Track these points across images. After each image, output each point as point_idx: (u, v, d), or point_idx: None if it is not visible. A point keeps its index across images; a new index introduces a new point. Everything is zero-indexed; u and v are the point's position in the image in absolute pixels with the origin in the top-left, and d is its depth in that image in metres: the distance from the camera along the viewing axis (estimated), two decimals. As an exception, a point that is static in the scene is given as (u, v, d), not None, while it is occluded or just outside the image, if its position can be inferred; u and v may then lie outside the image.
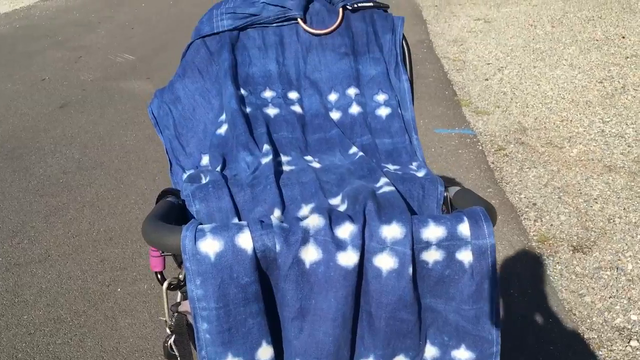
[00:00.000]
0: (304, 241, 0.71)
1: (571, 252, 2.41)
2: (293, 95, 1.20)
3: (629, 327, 2.01)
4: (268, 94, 1.18)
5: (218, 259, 0.70)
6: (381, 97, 1.18)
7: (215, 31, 1.22)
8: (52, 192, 2.92)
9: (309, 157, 1.08)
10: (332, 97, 1.20)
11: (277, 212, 0.88)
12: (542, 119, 3.78)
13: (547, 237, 2.52)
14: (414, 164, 1.07)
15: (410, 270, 0.73)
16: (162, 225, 0.73)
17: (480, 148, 3.40)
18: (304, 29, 1.23)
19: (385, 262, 0.73)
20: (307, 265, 0.72)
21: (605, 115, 3.78)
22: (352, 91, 1.19)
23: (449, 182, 3.07)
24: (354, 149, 1.08)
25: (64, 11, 7.78)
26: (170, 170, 1.14)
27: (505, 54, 5.31)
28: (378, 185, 0.93)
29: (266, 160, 1.00)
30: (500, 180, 3.02)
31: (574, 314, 2.06)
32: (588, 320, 2.04)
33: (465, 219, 0.74)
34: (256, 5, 1.22)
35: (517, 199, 2.83)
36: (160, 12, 7.57)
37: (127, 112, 4.00)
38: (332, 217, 0.74)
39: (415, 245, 0.73)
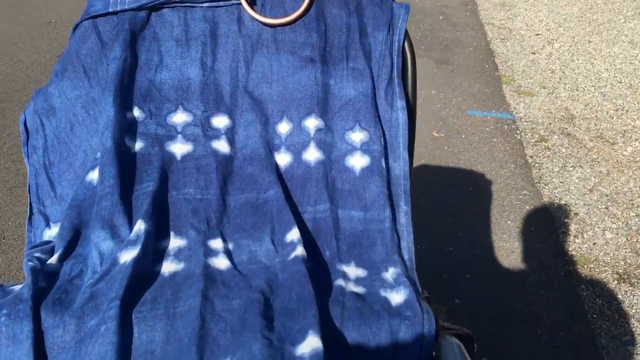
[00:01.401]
0: None
1: (616, 281, 2.01)
2: (220, 121, 0.79)
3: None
4: (179, 117, 0.78)
5: None
6: (357, 137, 0.77)
7: (111, 10, 0.80)
8: (28, 157, 2.61)
9: (216, 243, 0.69)
10: (283, 127, 0.80)
11: None
12: (594, 106, 3.29)
13: (587, 259, 2.11)
14: (391, 270, 0.68)
15: None
16: None
17: (519, 137, 2.95)
18: (251, 16, 0.82)
19: None
20: None
21: (668, 107, 3.28)
22: (311, 122, 0.79)
23: (476, 182, 2.48)
24: (294, 234, 0.69)
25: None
26: (29, 220, 0.78)
27: (557, 24, 4.75)
28: (299, 353, 0.54)
29: (128, 255, 0.62)
30: (538, 179, 2.60)
31: (614, 370, 1.68)
32: (631, 381, 1.66)
33: None
34: None
35: (556, 206, 2.42)
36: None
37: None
38: None
39: None
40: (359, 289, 0.64)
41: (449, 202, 2.41)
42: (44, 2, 4.89)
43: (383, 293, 0.63)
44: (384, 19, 0.82)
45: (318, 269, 0.67)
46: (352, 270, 0.68)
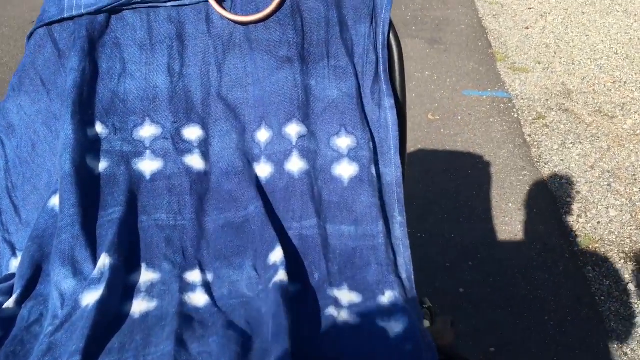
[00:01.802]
0: None
1: (622, 260, 1.96)
2: (192, 132, 0.72)
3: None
4: (147, 131, 0.71)
5: None
6: (344, 142, 0.71)
7: (67, 15, 0.73)
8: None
9: (194, 275, 0.64)
10: (262, 135, 0.73)
11: None
12: (591, 80, 3.23)
13: (592, 239, 2.06)
14: (388, 293, 0.62)
15: None
16: None
17: (516, 116, 2.89)
18: (220, 14, 0.75)
19: None
20: None
21: (666, 76, 3.21)
22: (293, 129, 0.72)
23: (475, 164, 2.45)
24: (277, 254, 0.63)
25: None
26: None
27: (549, -4, 4.66)
28: None
29: (91, 297, 0.56)
30: (538, 159, 2.54)
31: (626, 354, 1.64)
32: (643, 364, 1.62)
33: None
34: None
35: (557, 185, 2.37)
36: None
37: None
38: None
39: None
40: (354, 319, 0.59)
41: (448, 187, 2.36)
42: (25, 2, 4.79)
43: (380, 323, 0.58)
44: (365, 10, 0.75)
45: (305, 295, 0.62)
46: (345, 295, 0.62)
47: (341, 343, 0.55)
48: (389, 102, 0.72)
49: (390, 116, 0.71)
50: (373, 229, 0.66)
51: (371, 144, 0.71)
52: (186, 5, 0.74)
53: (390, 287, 0.62)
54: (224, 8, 0.74)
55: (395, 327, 0.57)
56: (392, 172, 0.70)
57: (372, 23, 0.75)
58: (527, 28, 4.06)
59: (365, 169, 0.69)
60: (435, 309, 0.72)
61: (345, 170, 0.70)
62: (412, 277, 0.65)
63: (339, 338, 0.55)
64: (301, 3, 0.75)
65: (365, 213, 0.67)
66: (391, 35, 0.76)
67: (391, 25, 0.76)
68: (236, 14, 0.74)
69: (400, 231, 0.68)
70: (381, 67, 0.74)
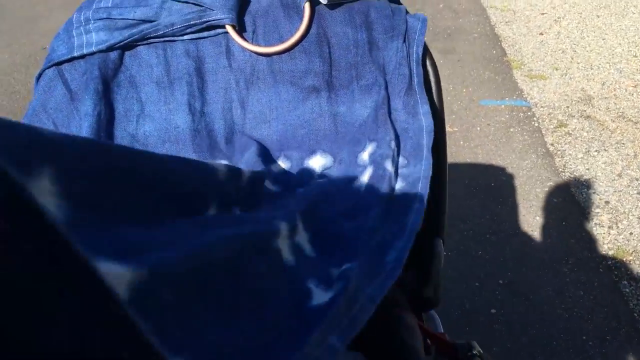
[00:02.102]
0: None
1: (659, 273, 1.88)
2: None
3: None
4: None
5: None
6: (367, 153, 0.64)
7: (77, 54, 0.67)
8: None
9: None
10: (276, 168, 0.68)
11: None
12: (611, 84, 3.15)
13: (626, 251, 1.98)
14: (345, 266, 0.50)
15: None
16: None
17: (537, 124, 2.82)
18: (241, 46, 0.68)
19: None
20: None
21: (689, 77, 3.13)
22: (317, 161, 0.66)
23: (497, 176, 2.44)
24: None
25: (78, -34, 7.28)
26: None
27: (562, 0, 4.59)
28: None
29: None
30: (562, 168, 2.46)
31: (671, 374, 1.56)
32: (691, 384, 1.54)
33: None
34: (149, 1, 0.67)
35: (584, 195, 2.29)
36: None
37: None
38: None
39: None
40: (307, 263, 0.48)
41: (472, 201, 2.29)
42: (36, 29, 4.81)
43: (311, 283, 0.47)
44: (397, 30, 0.69)
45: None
46: (305, 242, 0.51)
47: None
48: (423, 108, 0.65)
49: (424, 120, 0.65)
50: (366, 213, 0.57)
51: (393, 143, 0.63)
52: (204, 37, 0.69)
53: (350, 261, 0.50)
54: (245, 39, 0.68)
55: (322, 296, 0.45)
56: (422, 168, 0.61)
57: (404, 40, 0.69)
58: (541, 34, 3.99)
59: (380, 167, 0.60)
60: (486, 357, 0.65)
61: (365, 177, 0.63)
62: (398, 268, 0.52)
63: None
64: (327, 29, 0.68)
65: (373, 217, 0.59)
66: (428, 61, 0.70)
67: (427, 49, 0.70)
68: (258, 44, 0.68)
69: (412, 218, 0.58)
70: (415, 80, 0.68)
